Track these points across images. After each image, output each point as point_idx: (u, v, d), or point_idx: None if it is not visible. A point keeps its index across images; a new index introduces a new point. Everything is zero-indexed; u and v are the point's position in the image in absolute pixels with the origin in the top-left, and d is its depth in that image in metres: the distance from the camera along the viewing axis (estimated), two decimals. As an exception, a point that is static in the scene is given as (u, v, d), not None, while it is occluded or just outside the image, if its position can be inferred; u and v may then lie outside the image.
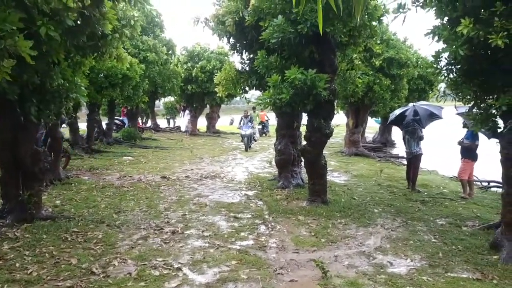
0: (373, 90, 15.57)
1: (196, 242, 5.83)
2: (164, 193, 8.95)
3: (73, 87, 6.28)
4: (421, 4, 5.48)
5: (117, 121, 26.11)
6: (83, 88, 6.44)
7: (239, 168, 12.92)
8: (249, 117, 18.87)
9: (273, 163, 13.51)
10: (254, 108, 23.04)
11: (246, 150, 17.77)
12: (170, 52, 22.03)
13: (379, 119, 26.72)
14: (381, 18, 8.30)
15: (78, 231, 6.04)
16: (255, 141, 19.89)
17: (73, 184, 9.41)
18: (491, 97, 5.32)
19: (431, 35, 5.34)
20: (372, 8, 7.54)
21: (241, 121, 18.81)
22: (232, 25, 8.72)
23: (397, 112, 10.66)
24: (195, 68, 23.90)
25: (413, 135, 9.95)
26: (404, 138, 10.27)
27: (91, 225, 6.36)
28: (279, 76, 7.05)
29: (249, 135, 18.28)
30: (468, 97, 5.54)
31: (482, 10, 4.72)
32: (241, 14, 8.55)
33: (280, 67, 7.68)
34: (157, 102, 37.07)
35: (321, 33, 2.99)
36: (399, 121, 10.28)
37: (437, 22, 5.66)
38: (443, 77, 5.72)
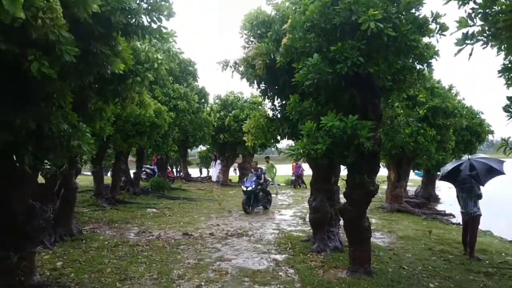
0: (417, 141, 14.28)
1: (209, 326, 4.69)
2: (182, 254, 7.87)
3: (77, 133, 5.45)
4: (490, 36, 4.43)
5: (147, 170, 25.67)
6: (88, 135, 5.59)
7: (269, 224, 11.74)
8: (259, 170, 15.50)
9: (308, 219, 12.33)
10: (267, 158, 21.01)
11: (246, 212, 13.78)
12: (203, 100, 21.64)
13: (421, 171, 25.11)
14: (431, 60, 7.28)
15: (70, 304, 5.04)
16: (268, 199, 15.35)
17: (84, 241, 8.51)
18: None
19: (507, 73, 4.25)
20: (423, 47, 6.52)
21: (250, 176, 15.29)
22: (262, 68, 7.91)
23: (450, 166, 9.33)
24: (228, 117, 23.36)
25: (470, 193, 8.59)
26: (458, 197, 8.90)
27: (88, 297, 5.35)
28: (314, 124, 6.05)
29: (252, 192, 14.19)
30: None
31: None
32: (272, 56, 7.75)
33: (316, 113, 6.71)
34: (192, 151, 36.88)
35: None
36: (453, 176, 8.95)
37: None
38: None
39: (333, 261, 7.51)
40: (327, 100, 6.61)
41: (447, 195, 24.11)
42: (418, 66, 7.32)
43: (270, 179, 19.12)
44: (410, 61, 6.98)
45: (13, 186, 5.34)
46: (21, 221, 5.41)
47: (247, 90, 58.52)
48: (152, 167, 25.83)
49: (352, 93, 6.37)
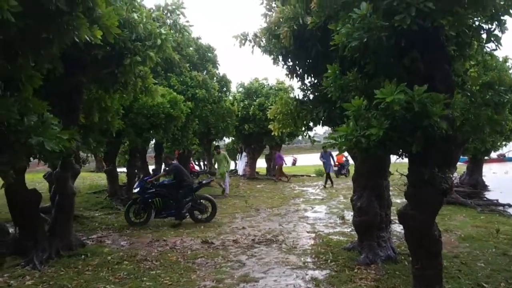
0: (469, 121, 12.29)
1: None
2: (197, 272, 6.37)
3: (38, 127, 3.95)
4: None
5: (170, 165, 24.43)
6: (55, 128, 4.09)
7: (303, 226, 10.13)
8: (170, 164, 11.48)
9: (347, 217, 10.69)
10: (218, 148, 17.98)
11: (129, 224, 10.10)
12: (225, 89, 20.07)
13: (466, 157, 22.88)
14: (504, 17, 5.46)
15: None
16: (200, 207, 10.80)
17: (83, 257, 7.13)
18: None
19: None
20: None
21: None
22: (289, 37, 6.27)
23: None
24: (253, 106, 21.75)
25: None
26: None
27: None
28: (363, 100, 4.39)
29: (141, 197, 10.25)
30: None
31: None
32: (300, 21, 6.11)
33: (362, 88, 5.06)
34: (220, 143, 35.49)
35: None
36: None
37: None
38: None
39: (388, 279, 5.86)
40: (378, 69, 4.91)
41: (494, 182, 21.96)
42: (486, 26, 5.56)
43: (219, 176, 16.40)
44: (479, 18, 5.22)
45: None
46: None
47: (272, 76, 56.82)
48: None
49: (414, 56, 4.66)
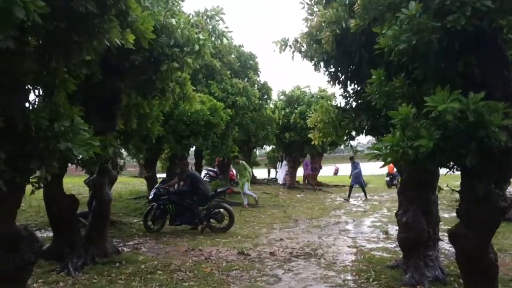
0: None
1: None
2: (231, 286, 6.09)
3: (67, 133, 3.83)
4: None
5: (210, 173, 24.50)
6: (85, 134, 3.96)
7: (344, 239, 9.69)
8: (184, 173, 11.09)
9: (391, 232, 10.17)
10: (237, 158, 16.63)
11: (146, 229, 10.34)
12: (265, 96, 19.89)
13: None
14: None
15: None
16: (213, 214, 10.57)
17: (117, 264, 7.05)
18: None
19: None
20: None
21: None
22: (331, 42, 5.96)
23: None
24: (294, 114, 21.43)
25: None
26: None
27: None
28: (412, 108, 4.02)
29: (155, 204, 10.45)
30: None
31: None
32: (343, 25, 5.79)
33: (410, 95, 4.68)
34: (261, 151, 35.38)
35: None
36: None
37: None
38: None
39: (437, 302, 5.40)
40: (427, 75, 4.52)
41: None
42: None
43: (244, 188, 15.47)
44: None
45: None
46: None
47: (314, 83, 56.45)
48: (215, 169, 24.59)
49: (469, 60, 4.24)
